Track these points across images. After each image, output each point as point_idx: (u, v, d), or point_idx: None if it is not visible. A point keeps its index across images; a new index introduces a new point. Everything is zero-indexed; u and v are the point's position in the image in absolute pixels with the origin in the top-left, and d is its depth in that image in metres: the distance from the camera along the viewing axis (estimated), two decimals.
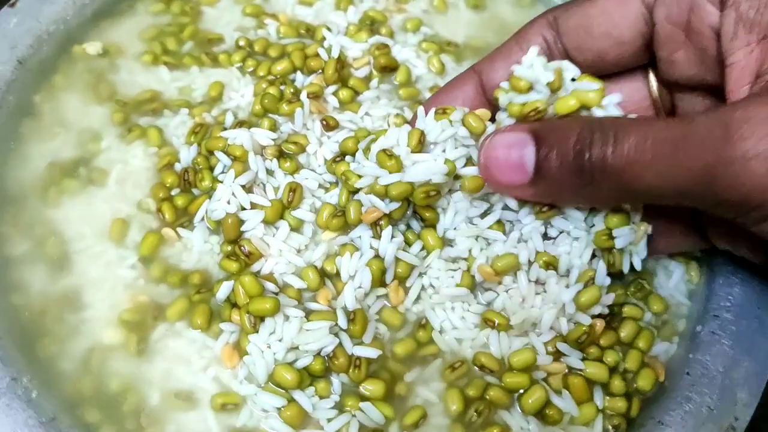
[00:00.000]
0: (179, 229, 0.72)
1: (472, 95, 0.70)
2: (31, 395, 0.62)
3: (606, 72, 0.67)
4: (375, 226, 0.68)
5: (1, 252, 0.70)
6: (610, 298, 0.65)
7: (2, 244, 0.71)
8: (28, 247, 0.71)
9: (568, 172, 0.55)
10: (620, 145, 0.52)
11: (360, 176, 0.68)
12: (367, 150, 0.70)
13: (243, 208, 0.70)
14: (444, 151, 0.67)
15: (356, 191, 0.69)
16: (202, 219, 0.72)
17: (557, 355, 0.66)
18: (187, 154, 0.76)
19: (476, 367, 0.66)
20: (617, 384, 0.65)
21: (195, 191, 0.74)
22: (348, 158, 0.73)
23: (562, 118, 0.61)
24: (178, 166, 0.75)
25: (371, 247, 0.68)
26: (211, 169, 0.74)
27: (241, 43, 0.87)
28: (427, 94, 0.84)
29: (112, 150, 0.77)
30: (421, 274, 0.69)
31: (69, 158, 0.77)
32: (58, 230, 0.72)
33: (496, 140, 0.60)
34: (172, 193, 0.74)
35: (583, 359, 0.65)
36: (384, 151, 0.68)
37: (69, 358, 0.65)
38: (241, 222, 0.69)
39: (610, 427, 0.64)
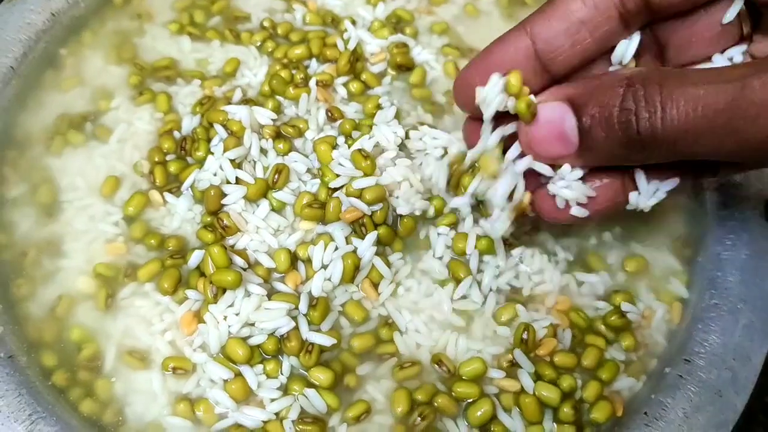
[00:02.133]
0: (166, 194, 0.73)
1: (521, 59, 0.58)
2: None
3: None
4: (355, 224, 0.69)
5: None
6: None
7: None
8: (22, 191, 0.74)
9: (615, 143, 0.51)
10: (669, 113, 0.48)
11: (337, 175, 0.69)
12: (350, 140, 0.70)
13: (228, 182, 0.71)
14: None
15: (336, 188, 0.70)
16: (190, 187, 0.73)
17: (512, 370, 0.65)
18: (189, 123, 0.77)
19: (434, 365, 0.65)
20: (566, 412, 0.63)
21: (189, 160, 0.75)
22: (340, 140, 0.73)
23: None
24: (177, 134, 0.77)
25: (348, 243, 0.69)
26: (209, 140, 0.75)
27: (266, 24, 0.88)
28: (440, 98, 0.84)
29: (121, 110, 0.79)
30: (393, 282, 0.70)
31: (79, 112, 0.79)
32: (54, 178, 0.74)
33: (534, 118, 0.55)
34: (168, 158, 0.75)
35: (537, 380, 0.64)
36: (359, 151, 0.68)
37: (38, 302, 0.68)
38: (223, 195, 0.70)
39: None
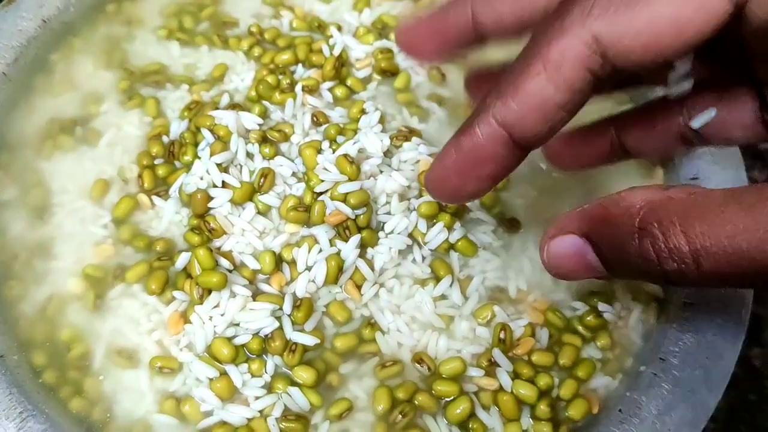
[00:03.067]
0: (154, 198, 0.74)
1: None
2: None
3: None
4: (339, 227, 0.70)
5: None
6: None
7: None
8: (14, 194, 0.75)
9: (641, 274, 0.46)
10: (699, 261, 0.41)
11: (322, 180, 0.71)
12: (335, 145, 0.72)
13: (215, 186, 0.73)
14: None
15: (321, 192, 0.72)
16: (177, 191, 0.74)
17: (491, 369, 0.67)
18: (177, 128, 0.79)
19: (415, 364, 0.67)
20: (542, 409, 0.65)
21: (177, 164, 0.77)
22: (325, 144, 0.75)
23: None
24: (166, 139, 0.78)
25: (332, 245, 0.70)
26: (197, 145, 0.77)
27: (253, 29, 0.89)
28: (424, 102, 0.86)
29: (110, 114, 0.81)
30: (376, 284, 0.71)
31: (69, 116, 0.81)
32: (45, 182, 0.76)
33: (552, 251, 0.52)
34: (156, 162, 0.77)
35: (515, 378, 0.66)
36: (344, 156, 0.70)
37: (29, 303, 0.69)
38: (210, 198, 0.72)
39: None
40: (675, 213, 0.42)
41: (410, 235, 0.73)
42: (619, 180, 0.81)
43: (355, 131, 0.78)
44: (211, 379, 0.65)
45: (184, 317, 0.68)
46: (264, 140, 0.77)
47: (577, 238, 0.50)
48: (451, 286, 0.71)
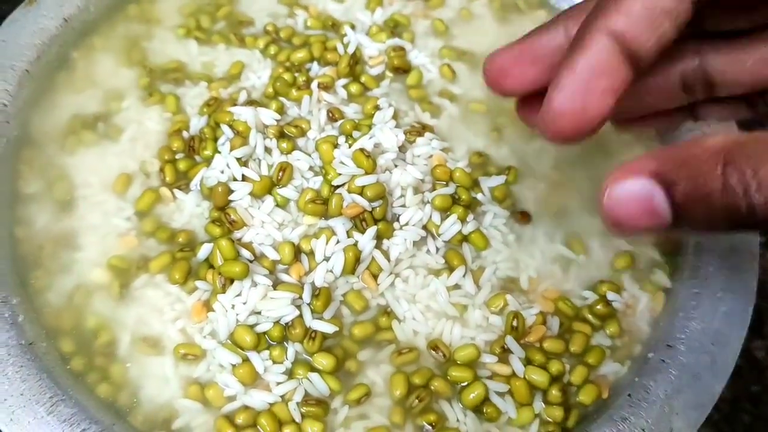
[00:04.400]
0: (176, 191, 0.76)
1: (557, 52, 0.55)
2: (18, 318, 0.68)
3: None
4: (356, 219, 0.72)
5: (14, 187, 0.76)
6: None
7: (17, 181, 0.77)
8: (39, 187, 0.77)
9: (718, 221, 0.43)
10: None
11: (338, 174, 0.73)
12: (351, 140, 0.75)
13: (235, 179, 0.75)
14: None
15: (338, 185, 0.74)
16: (198, 184, 0.76)
17: (504, 355, 0.69)
18: (196, 123, 0.81)
19: (431, 351, 0.69)
20: (554, 394, 0.67)
21: (197, 158, 0.78)
22: (341, 139, 0.77)
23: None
24: (186, 134, 0.80)
25: (349, 237, 0.73)
26: (216, 140, 0.79)
27: (269, 28, 0.91)
28: (436, 99, 0.88)
29: (131, 110, 0.83)
30: (392, 274, 0.73)
31: (91, 112, 0.82)
32: (69, 176, 0.78)
33: (615, 195, 0.46)
34: (177, 156, 0.79)
35: (527, 364, 0.68)
36: (361, 150, 0.72)
37: (56, 292, 0.71)
38: (231, 191, 0.74)
39: None
40: (765, 148, 0.40)
41: (424, 227, 0.75)
42: None
43: (370, 126, 0.80)
44: (234, 366, 0.67)
45: (207, 306, 0.70)
46: (281, 135, 0.79)
47: (647, 181, 0.45)
48: (464, 276, 0.73)
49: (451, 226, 0.75)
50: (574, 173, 0.83)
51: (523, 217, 0.79)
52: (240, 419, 0.64)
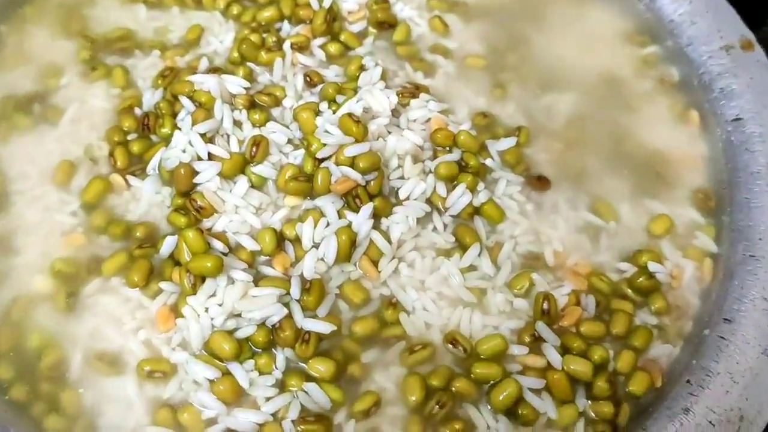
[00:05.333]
0: (130, 177, 0.65)
1: None
2: None
3: None
4: (348, 196, 0.62)
5: None
6: None
7: None
8: None
9: None
10: None
11: (324, 144, 0.62)
12: (335, 106, 0.63)
13: (199, 159, 0.64)
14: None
15: (324, 158, 0.63)
16: (156, 168, 0.65)
17: (536, 345, 0.58)
18: (150, 98, 0.70)
19: (448, 345, 0.58)
20: (600, 386, 0.56)
21: (153, 138, 0.68)
22: (323, 106, 0.66)
23: None
24: (138, 111, 0.69)
25: (341, 217, 0.62)
26: (175, 115, 0.67)
27: None
28: (427, 55, 0.77)
29: (72, 87, 0.71)
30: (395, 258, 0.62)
31: (25, 93, 0.71)
32: (1, 167, 0.66)
33: None
34: (129, 137, 0.68)
35: (565, 353, 0.57)
36: (349, 116, 0.61)
37: None
38: (195, 173, 0.63)
39: None
40: None
41: (428, 201, 0.65)
42: (652, 127, 0.74)
43: (355, 90, 0.69)
44: (211, 381, 0.55)
45: (175, 311, 0.58)
46: (252, 106, 0.68)
47: None
48: (479, 255, 0.63)
49: (459, 198, 0.64)
50: (593, 130, 0.73)
51: (540, 182, 0.68)
52: None
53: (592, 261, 0.64)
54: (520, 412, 0.56)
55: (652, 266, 0.63)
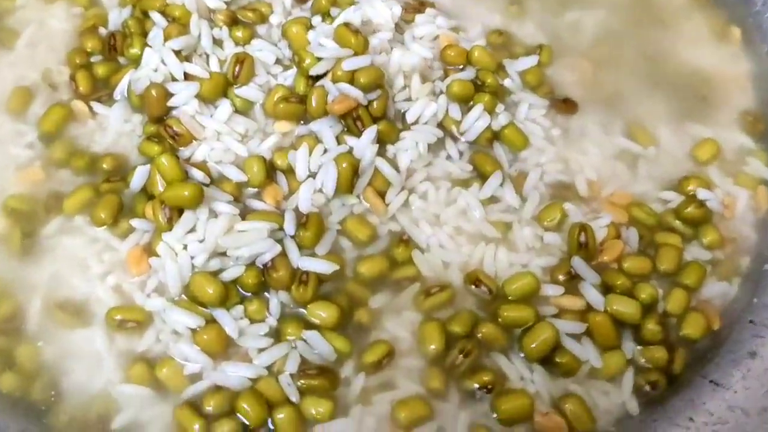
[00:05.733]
0: (94, 104, 0.58)
1: None
2: None
3: None
4: (348, 118, 0.54)
5: None
6: None
7: None
8: None
9: None
10: None
11: (318, 58, 0.55)
12: (329, 19, 0.55)
13: (174, 79, 0.55)
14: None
15: (318, 77, 0.56)
16: (125, 92, 0.56)
17: (572, 284, 0.51)
18: (117, 16, 0.62)
19: (470, 286, 0.50)
20: (650, 329, 0.49)
21: (121, 60, 0.60)
22: (315, 20, 0.57)
23: None
24: (103, 31, 0.61)
25: (341, 143, 0.54)
26: (145, 35, 0.59)
27: None
28: None
29: (29, 8, 0.64)
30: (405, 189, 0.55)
31: None
32: None
33: None
34: (93, 60, 0.60)
35: (607, 292, 0.49)
36: (346, 25, 0.53)
37: None
38: (169, 95, 0.54)
39: (645, 384, 0.48)
40: None
41: (440, 125, 0.57)
42: (689, 45, 0.66)
43: (352, 2, 0.60)
44: (194, 331, 0.48)
45: (149, 252, 0.50)
46: (234, 22, 0.60)
47: None
48: (501, 185, 0.55)
49: (476, 121, 0.57)
50: (624, 49, 0.65)
51: (567, 105, 0.61)
52: (210, 406, 0.46)
53: (632, 190, 0.57)
54: (557, 360, 0.48)
55: (702, 193, 0.55)
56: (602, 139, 0.59)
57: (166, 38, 0.56)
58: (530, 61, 0.61)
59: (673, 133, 0.60)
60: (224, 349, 0.47)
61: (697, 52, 0.65)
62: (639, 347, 0.49)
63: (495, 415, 0.47)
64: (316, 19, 0.59)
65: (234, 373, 0.46)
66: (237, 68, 0.55)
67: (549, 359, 0.48)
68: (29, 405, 0.47)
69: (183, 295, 0.49)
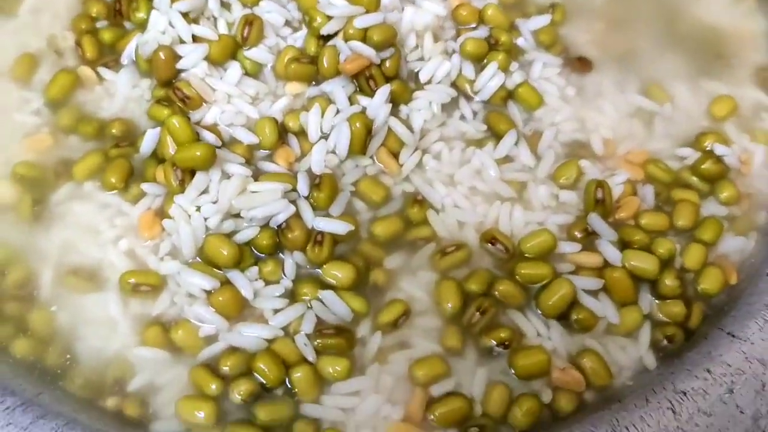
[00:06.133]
0: (101, 70, 0.56)
1: None
2: None
3: None
4: (360, 78, 0.53)
5: None
6: None
7: None
8: None
9: None
10: None
11: (329, 17, 0.54)
12: None
13: (182, 42, 0.54)
14: None
15: (329, 36, 0.54)
16: (133, 56, 0.55)
17: (589, 241, 0.50)
18: None
19: (486, 245, 0.50)
20: (668, 284, 0.48)
21: (127, 25, 0.58)
22: None
23: None
24: None
25: (353, 103, 0.53)
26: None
27: None
28: None
29: None
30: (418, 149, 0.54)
31: None
32: None
33: None
34: (98, 25, 0.59)
35: (624, 248, 0.48)
36: None
37: None
38: (177, 57, 0.53)
39: (662, 339, 0.47)
40: None
41: (454, 85, 0.56)
42: (703, 2, 0.64)
43: None
44: (209, 293, 0.47)
45: (161, 215, 0.49)
46: None
47: None
48: (516, 144, 0.54)
49: (490, 80, 0.56)
50: (638, 8, 0.64)
51: (581, 64, 0.60)
52: (226, 366, 0.45)
53: (648, 148, 0.56)
54: (574, 317, 0.48)
55: (719, 148, 0.55)
56: (617, 98, 0.58)
57: (173, 1, 0.55)
58: (543, 20, 0.60)
59: (689, 90, 0.59)
60: (239, 310, 0.47)
61: (711, 9, 0.64)
62: (656, 302, 0.49)
63: (512, 372, 0.46)
64: None
65: (250, 334, 0.45)
66: (246, 30, 0.54)
67: (566, 316, 0.48)
68: (44, 369, 0.46)
69: (197, 258, 0.48)
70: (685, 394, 0.44)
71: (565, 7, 0.62)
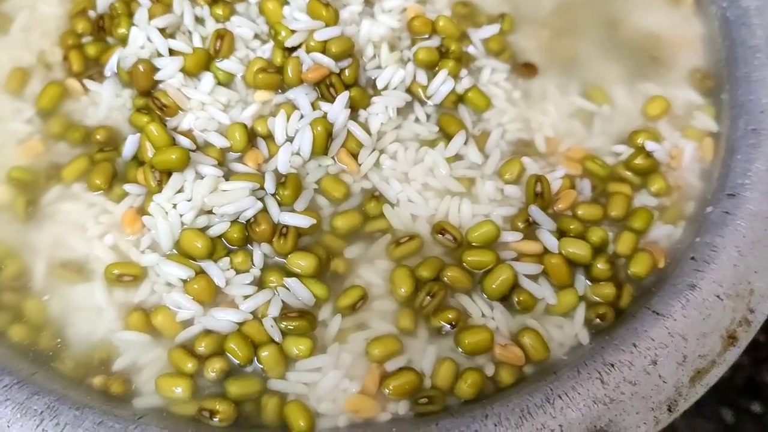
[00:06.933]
0: (87, 81, 0.61)
1: None
2: None
3: None
4: (322, 86, 0.57)
5: None
6: None
7: None
8: None
9: None
10: None
11: (293, 31, 0.58)
12: None
13: (160, 55, 0.59)
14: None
15: (293, 48, 0.59)
16: (115, 69, 0.60)
17: (530, 230, 0.55)
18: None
19: (437, 236, 0.54)
20: (600, 268, 0.53)
21: (110, 40, 0.63)
22: None
23: None
24: (92, 13, 0.64)
25: (315, 109, 0.57)
26: (131, 15, 0.62)
27: None
28: None
29: None
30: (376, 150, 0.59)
31: None
32: None
33: None
34: (84, 41, 0.63)
35: (561, 237, 0.53)
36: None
37: None
38: (155, 69, 0.58)
39: (595, 318, 0.52)
40: None
41: (409, 90, 0.61)
42: (643, 9, 0.69)
43: None
44: (185, 281, 0.52)
45: (142, 213, 0.54)
46: (215, 1, 0.63)
47: None
48: (465, 143, 0.59)
49: (441, 85, 0.60)
50: (581, 17, 0.69)
51: (527, 69, 0.64)
52: (202, 347, 0.50)
53: (586, 146, 0.61)
54: (517, 298, 0.53)
55: (650, 145, 0.59)
56: (560, 100, 0.62)
57: (151, 17, 0.59)
58: (492, 29, 0.64)
59: (627, 92, 0.63)
60: (213, 297, 0.51)
61: (651, 16, 0.68)
62: (590, 285, 0.53)
63: (459, 349, 0.50)
64: None
65: (222, 318, 0.50)
66: (218, 43, 0.59)
67: (508, 298, 0.52)
68: (38, 351, 0.50)
69: (174, 250, 0.52)
70: (612, 365, 0.48)
71: (513, 17, 0.67)
